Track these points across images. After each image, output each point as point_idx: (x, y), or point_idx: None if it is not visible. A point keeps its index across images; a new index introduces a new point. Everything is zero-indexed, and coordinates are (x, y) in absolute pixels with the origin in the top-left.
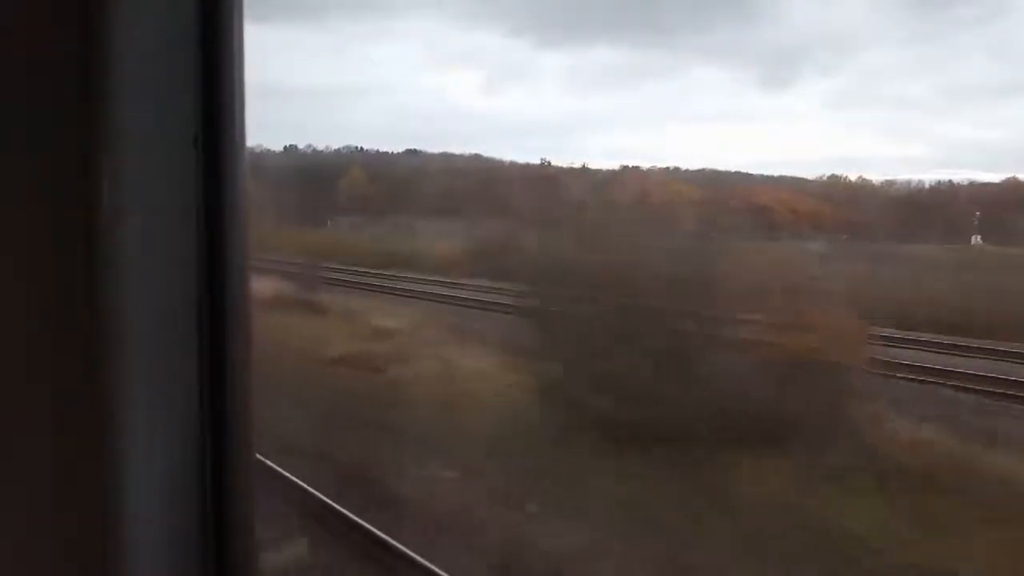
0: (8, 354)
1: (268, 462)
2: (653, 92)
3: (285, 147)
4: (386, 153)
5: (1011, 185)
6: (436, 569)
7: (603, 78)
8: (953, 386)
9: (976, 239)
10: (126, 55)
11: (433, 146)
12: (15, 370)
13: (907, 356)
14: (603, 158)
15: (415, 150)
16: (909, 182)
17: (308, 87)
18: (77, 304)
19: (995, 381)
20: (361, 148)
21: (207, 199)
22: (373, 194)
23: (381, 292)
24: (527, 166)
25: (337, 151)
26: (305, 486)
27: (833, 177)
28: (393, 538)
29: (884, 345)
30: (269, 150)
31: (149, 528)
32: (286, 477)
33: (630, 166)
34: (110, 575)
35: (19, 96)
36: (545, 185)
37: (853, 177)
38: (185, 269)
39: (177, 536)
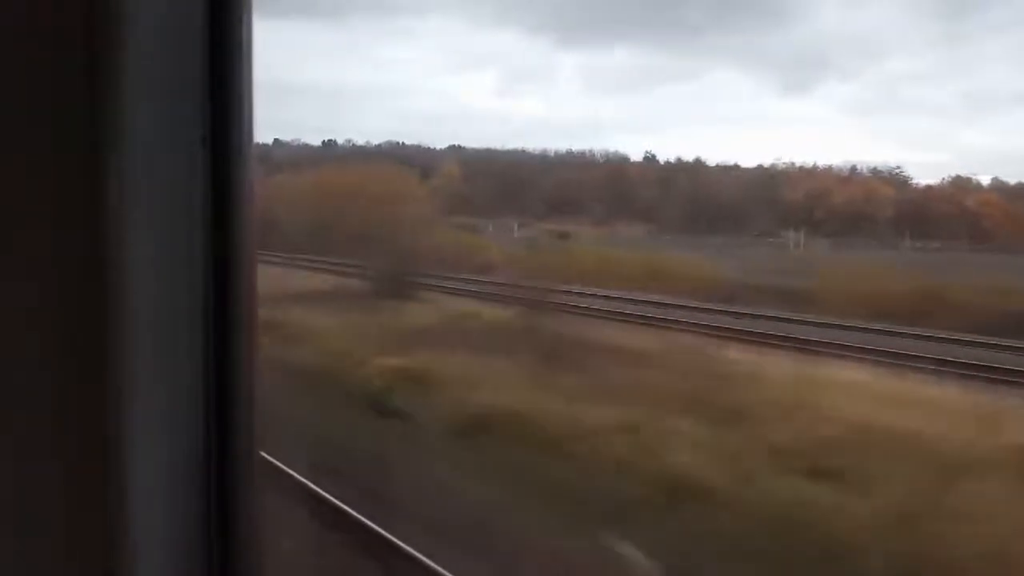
0: (11, 352)
1: None
2: (685, 92)
3: (324, 141)
4: (430, 148)
5: None
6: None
7: (632, 79)
8: None
9: None
10: (133, 53)
11: (473, 142)
12: (18, 368)
13: None
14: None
15: (458, 146)
16: None
17: (334, 85)
18: (82, 303)
19: None
20: (402, 143)
21: (214, 199)
22: (473, 192)
23: None
24: (631, 161)
25: (378, 146)
26: None
27: (959, 179)
28: None
29: None
30: (308, 144)
31: (153, 525)
32: None
33: (788, 163)
34: (113, 573)
35: (25, 95)
36: (684, 182)
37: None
38: (192, 269)
39: (181, 534)
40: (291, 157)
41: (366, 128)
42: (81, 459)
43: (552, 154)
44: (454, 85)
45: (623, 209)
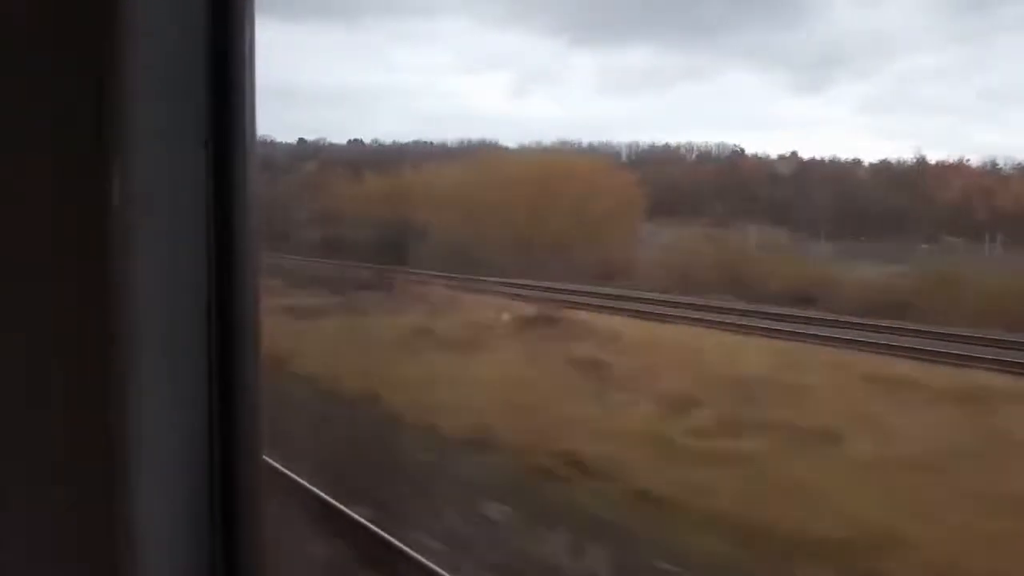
0: (16, 351)
1: None
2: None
3: (349, 140)
4: (461, 144)
5: None
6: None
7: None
8: None
9: None
10: (136, 57)
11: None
12: (23, 367)
13: None
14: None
15: (490, 141)
16: None
17: (344, 87)
18: (87, 304)
19: None
20: (431, 142)
21: (217, 199)
22: None
23: None
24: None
25: (404, 145)
26: None
27: None
28: None
29: None
30: (334, 143)
31: (157, 523)
32: None
33: (918, 157)
34: (119, 572)
35: (30, 97)
36: (815, 179)
37: None
38: (195, 270)
39: (186, 531)
40: (352, 155)
41: (381, 128)
42: (86, 457)
43: (639, 147)
44: (471, 85)
45: (746, 209)
